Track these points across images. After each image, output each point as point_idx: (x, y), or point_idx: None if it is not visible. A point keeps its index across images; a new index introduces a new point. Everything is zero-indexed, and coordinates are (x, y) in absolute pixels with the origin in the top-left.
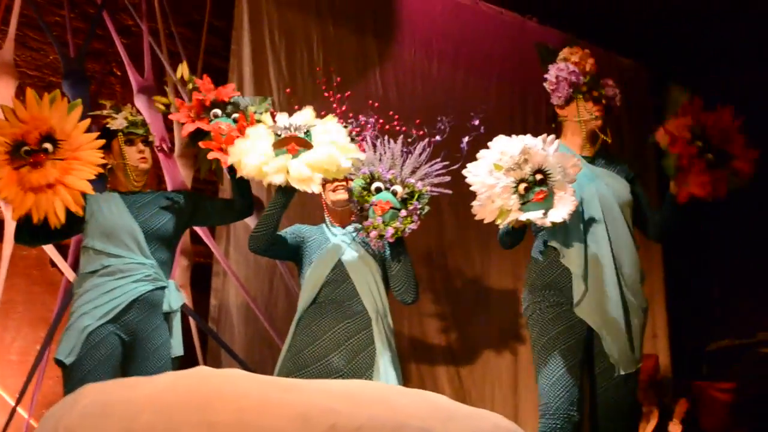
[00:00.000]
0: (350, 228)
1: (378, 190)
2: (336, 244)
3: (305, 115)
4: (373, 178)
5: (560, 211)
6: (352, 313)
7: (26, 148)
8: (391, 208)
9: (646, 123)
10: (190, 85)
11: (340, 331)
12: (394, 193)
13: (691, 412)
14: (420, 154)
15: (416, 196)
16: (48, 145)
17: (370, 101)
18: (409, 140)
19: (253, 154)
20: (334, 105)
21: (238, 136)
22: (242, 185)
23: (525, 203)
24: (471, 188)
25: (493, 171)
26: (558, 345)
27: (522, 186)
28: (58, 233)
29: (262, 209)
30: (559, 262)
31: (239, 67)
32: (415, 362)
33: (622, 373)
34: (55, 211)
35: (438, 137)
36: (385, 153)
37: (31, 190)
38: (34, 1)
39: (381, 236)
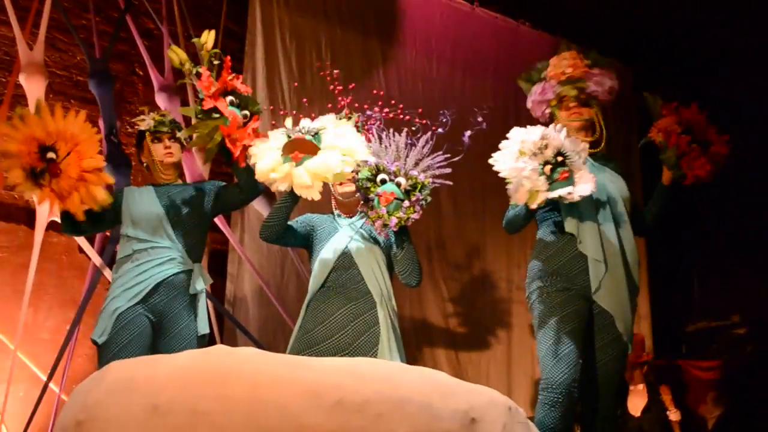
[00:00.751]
0: (357, 218)
1: (383, 181)
2: (343, 233)
3: (326, 120)
4: (378, 170)
5: (585, 187)
6: (358, 296)
7: (35, 169)
8: (395, 198)
9: (630, 121)
10: (207, 55)
11: (346, 312)
12: (398, 185)
13: (675, 390)
14: (423, 147)
15: (419, 188)
16: (50, 155)
17: (375, 91)
18: (413, 129)
19: (265, 158)
20: (339, 98)
21: (247, 133)
22: (245, 170)
23: (551, 183)
24: (500, 175)
25: (519, 157)
26: (565, 326)
27: (548, 167)
28: (99, 224)
29: (269, 192)
30: (566, 249)
31: (253, 67)
32: (416, 342)
33: (629, 351)
34: (96, 197)
35: (441, 129)
36: (390, 145)
37: (65, 196)
38: (63, 5)
39: (385, 225)
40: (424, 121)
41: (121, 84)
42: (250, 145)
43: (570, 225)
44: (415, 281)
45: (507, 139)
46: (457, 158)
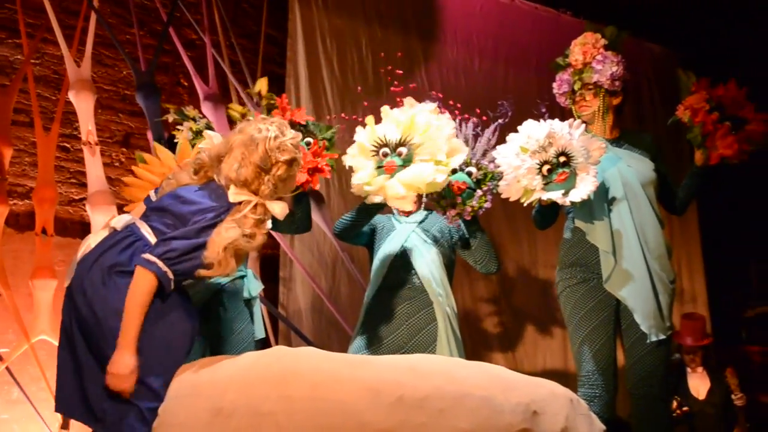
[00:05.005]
0: (414, 216)
1: (453, 171)
2: (400, 231)
3: (413, 117)
4: None
5: (580, 191)
6: (414, 295)
7: None
8: (467, 188)
9: (678, 104)
10: (265, 102)
11: (402, 311)
12: (469, 174)
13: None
14: (489, 139)
15: (489, 177)
16: None
17: (433, 92)
18: (477, 123)
19: (360, 172)
20: (398, 99)
21: (312, 161)
22: (303, 204)
23: (548, 183)
24: (498, 169)
25: (520, 153)
26: (592, 320)
27: (545, 168)
28: None
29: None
30: (583, 240)
31: (295, 72)
32: (470, 338)
33: (654, 339)
34: None
35: (501, 120)
36: (457, 137)
37: None
38: (107, 22)
39: (459, 215)
40: (484, 117)
41: (167, 95)
42: (320, 170)
43: (579, 219)
44: (494, 267)
45: (517, 131)
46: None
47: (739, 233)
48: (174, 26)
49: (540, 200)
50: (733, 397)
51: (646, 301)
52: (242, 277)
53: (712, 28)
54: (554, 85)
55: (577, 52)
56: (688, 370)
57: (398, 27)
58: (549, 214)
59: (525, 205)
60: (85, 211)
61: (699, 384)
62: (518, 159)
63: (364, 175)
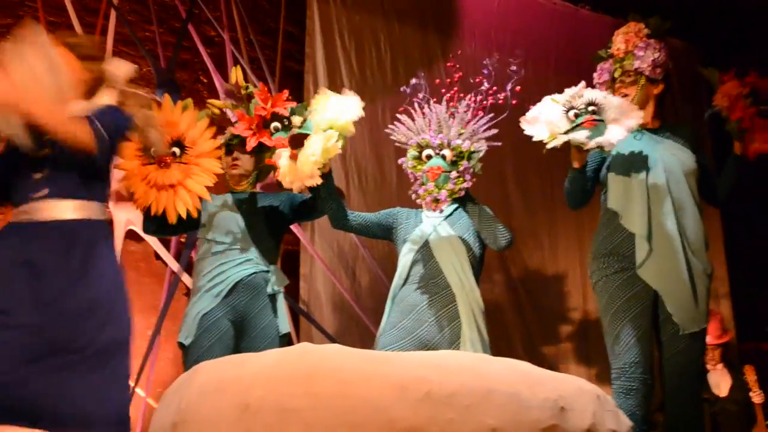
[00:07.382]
0: (441, 211)
1: (429, 157)
2: (425, 225)
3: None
4: (422, 147)
5: (608, 136)
6: (438, 290)
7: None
8: (442, 172)
9: (699, 99)
10: (243, 91)
11: (426, 307)
12: (444, 157)
13: (761, 372)
14: (465, 111)
15: (466, 156)
16: (176, 149)
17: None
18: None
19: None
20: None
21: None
22: (324, 187)
23: (574, 128)
24: (527, 114)
25: (552, 103)
26: (628, 312)
27: (572, 112)
28: (181, 227)
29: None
30: (622, 229)
31: (314, 68)
32: (493, 336)
33: (687, 332)
34: (174, 208)
35: (486, 82)
36: (432, 118)
37: (155, 187)
38: (127, 19)
39: (437, 200)
40: (479, 78)
41: (187, 92)
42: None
43: (613, 199)
44: (504, 242)
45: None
46: (501, 117)
47: (763, 226)
48: (193, 23)
49: (568, 144)
50: (751, 394)
51: (681, 292)
52: (266, 271)
53: (732, 20)
54: (594, 75)
55: (619, 41)
56: (709, 367)
57: (416, 23)
58: (579, 182)
59: (548, 146)
60: None
61: (720, 381)
62: (547, 107)
63: (282, 167)
